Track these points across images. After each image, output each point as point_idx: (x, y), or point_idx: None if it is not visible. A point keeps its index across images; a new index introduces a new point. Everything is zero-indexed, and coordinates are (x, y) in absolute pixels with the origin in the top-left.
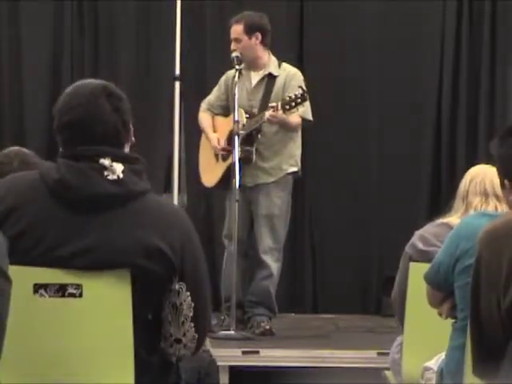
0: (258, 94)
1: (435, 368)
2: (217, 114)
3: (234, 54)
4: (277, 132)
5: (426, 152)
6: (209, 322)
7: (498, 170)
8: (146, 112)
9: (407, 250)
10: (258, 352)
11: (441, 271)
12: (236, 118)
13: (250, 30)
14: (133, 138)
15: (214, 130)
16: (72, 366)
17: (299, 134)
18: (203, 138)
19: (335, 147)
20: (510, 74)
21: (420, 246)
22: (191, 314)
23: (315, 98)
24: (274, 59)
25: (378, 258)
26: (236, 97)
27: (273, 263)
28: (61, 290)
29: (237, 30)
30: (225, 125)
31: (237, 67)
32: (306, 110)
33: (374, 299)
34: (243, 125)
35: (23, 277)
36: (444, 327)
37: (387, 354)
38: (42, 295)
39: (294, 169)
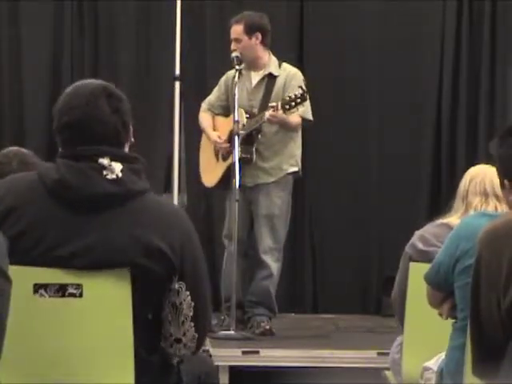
0: (258, 94)
1: (435, 368)
2: (217, 114)
3: (234, 54)
4: (277, 132)
5: (426, 152)
6: (209, 321)
7: (497, 170)
8: (146, 112)
9: (407, 250)
10: (258, 352)
11: (441, 271)
12: (236, 118)
13: (250, 30)
14: (132, 139)
15: (215, 129)
16: (72, 366)
17: (299, 133)
18: (204, 139)
19: (335, 147)
20: (510, 74)
21: (420, 246)
22: (191, 314)
23: (315, 98)
24: (274, 59)
25: (378, 258)
26: (236, 97)
27: (273, 263)
28: (61, 290)
29: (237, 30)
30: (225, 125)
31: (237, 67)
32: (306, 110)
33: (373, 299)
34: (243, 125)
35: (23, 277)
36: (444, 327)
37: (387, 353)
38: (41, 295)
39: (295, 169)
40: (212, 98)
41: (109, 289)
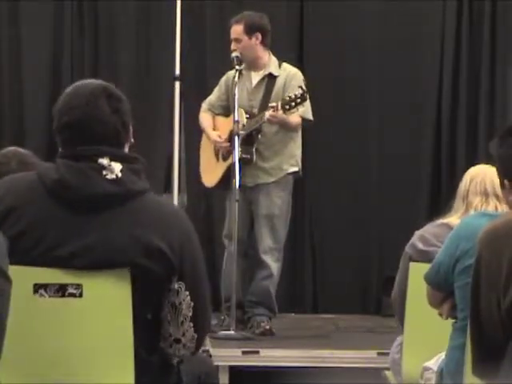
0: (258, 94)
1: (435, 368)
2: (217, 114)
3: (234, 54)
4: (277, 132)
5: (426, 152)
6: (208, 321)
7: (497, 170)
8: (146, 112)
9: (407, 250)
10: (258, 352)
11: (441, 271)
12: (236, 118)
13: (250, 30)
14: (132, 139)
15: (215, 130)
16: (72, 366)
17: (299, 133)
18: (204, 139)
19: (335, 147)
20: (510, 74)
21: (420, 246)
22: (190, 314)
23: (315, 98)
24: (274, 59)
25: (378, 258)
26: (236, 97)
27: (273, 263)
28: (61, 290)
29: (237, 30)
30: (225, 125)
31: (237, 67)
32: (306, 110)
33: (374, 299)
34: (243, 125)
35: (23, 277)
36: (444, 327)
37: (387, 353)
38: (41, 295)
39: (295, 169)
40: (212, 98)
41: (109, 289)
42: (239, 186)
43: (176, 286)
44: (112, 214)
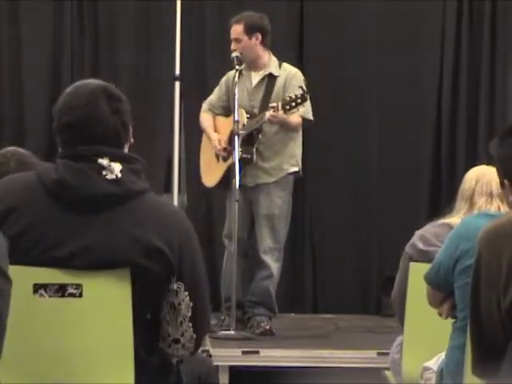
0: (258, 95)
1: (435, 368)
2: (218, 115)
3: (234, 54)
4: (277, 132)
5: (426, 152)
6: (207, 322)
7: (497, 170)
8: (146, 112)
9: (407, 250)
10: (258, 352)
11: (441, 271)
12: (236, 118)
13: (250, 31)
14: (132, 139)
15: (215, 130)
16: (72, 366)
17: (300, 133)
18: (204, 139)
19: (335, 147)
20: (510, 74)
21: (420, 245)
22: (189, 314)
23: (315, 98)
24: (274, 59)
25: (378, 258)
26: (236, 97)
27: (273, 263)
28: (61, 290)
29: (237, 30)
30: (226, 125)
31: (237, 67)
32: (306, 110)
33: (374, 299)
34: (243, 125)
35: (23, 277)
36: (444, 327)
37: (387, 353)
38: (41, 295)
39: (295, 169)
40: (213, 98)
41: (109, 289)
42: (239, 186)
43: (175, 286)
44: (112, 214)
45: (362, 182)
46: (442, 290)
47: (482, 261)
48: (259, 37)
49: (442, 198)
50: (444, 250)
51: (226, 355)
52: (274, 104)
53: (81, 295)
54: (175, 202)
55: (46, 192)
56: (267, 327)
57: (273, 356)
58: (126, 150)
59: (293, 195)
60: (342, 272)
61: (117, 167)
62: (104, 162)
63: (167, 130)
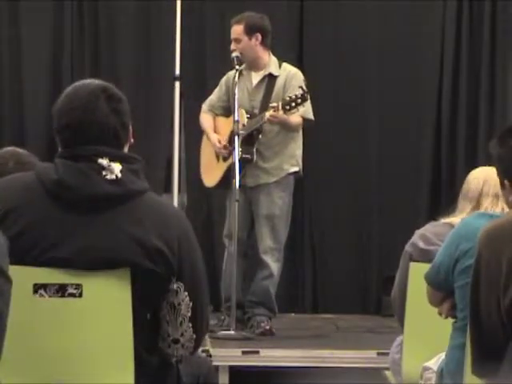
0: (258, 95)
1: (435, 368)
2: (218, 115)
3: (234, 54)
4: (278, 132)
5: (426, 152)
6: (207, 322)
7: (497, 170)
8: (146, 112)
9: (407, 249)
10: (258, 352)
11: (441, 271)
12: (236, 118)
13: (250, 31)
14: (132, 139)
15: (216, 130)
16: (72, 366)
17: (300, 133)
18: (204, 139)
19: (335, 147)
20: (510, 73)
21: (421, 244)
22: (189, 314)
23: (315, 97)
24: (274, 59)
25: (378, 258)
26: (236, 97)
27: (273, 263)
28: (61, 290)
29: (237, 30)
30: (226, 125)
31: (237, 67)
32: (306, 110)
33: (373, 299)
34: (243, 125)
35: (23, 277)
36: (444, 327)
37: (387, 353)
38: (41, 295)
39: (296, 169)
40: (213, 98)
41: (109, 289)
42: (239, 186)
43: (175, 286)
44: (112, 214)
45: (362, 182)
46: (442, 289)
47: (482, 261)
48: (259, 37)
49: (442, 198)
50: (444, 250)
51: (226, 355)
52: (274, 104)
53: (81, 295)
54: (175, 202)
55: (46, 192)
56: (267, 327)
57: (273, 356)
58: (125, 150)
59: (293, 195)
60: (342, 272)
61: (117, 167)
62: (104, 162)
63: (167, 130)
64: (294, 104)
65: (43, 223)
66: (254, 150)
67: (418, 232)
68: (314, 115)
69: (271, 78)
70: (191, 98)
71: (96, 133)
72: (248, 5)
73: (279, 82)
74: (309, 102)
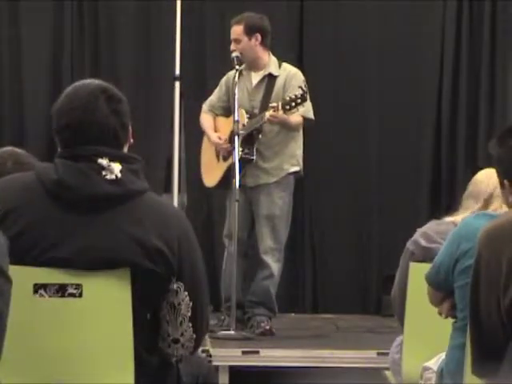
0: (258, 95)
1: (435, 368)
2: (218, 115)
3: (233, 55)
4: (278, 132)
5: (426, 152)
6: (207, 322)
7: (497, 170)
8: (146, 112)
9: (409, 247)
10: (258, 352)
11: (441, 271)
12: (236, 118)
13: (250, 31)
14: (131, 140)
15: (216, 130)
16: (72, 366)
17: (301, 133)
18: (205, 140)
19: (335, 147)
20: (510, 73)
21: (423, 242)
22: (189, 314)
23: (315, 98)
24: (274, 59)
25: (378, 258)
26: (236, 97)
27: (273, 263)
28: (61, 290)
29: (237, 30)
30: (226, 125)
31: (237, 67)
32: (306, 110)
33: (373, 299)
34: (243, 125)
35: (23, 277)
36: (444, 327)
37: (387, 353)
38: (41, 295)
39: (296, 168)
40: (213, 98)
41: (109, 289)
42: (240, 186)
43: (175, 286)
44: (111, 214)
45: (362, 182)
46: (442, 289)
47: (482, 261)
48: (259, 37)
49: (442, 198)
50: (444, 250)
51: (226, 355)
52: (274, 104)
53: (81, 295)
54: (175, 202)
55: (46, 192)
56: (267, 327)
57: (273, 356)
58: (125, 150)
59: (293, 195)
60: (342, 272)
61: (116, 167)
62: (104, 162)
63: (167, 130)
64: (293, 104)
65: (43, 223)
66: (254, 149)
67: (420, 230)
68: (314, 115)
69: (271, 78)
70: (191, 98)
71: (96, 133)
72: (248, 5)
73: (279, 82)
74: (309, 101)
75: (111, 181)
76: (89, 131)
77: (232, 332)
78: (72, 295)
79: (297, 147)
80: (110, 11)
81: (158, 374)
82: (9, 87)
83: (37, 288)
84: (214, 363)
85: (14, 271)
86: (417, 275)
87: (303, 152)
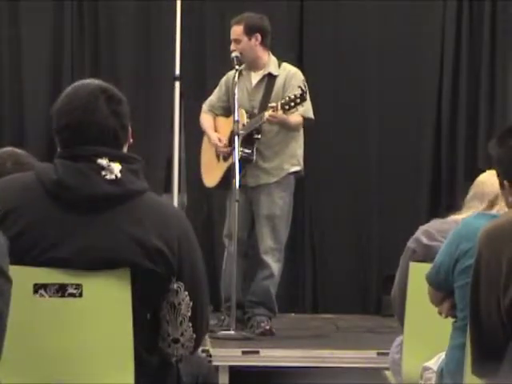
0: (258, 94)
1: (435, 368)
2: (218, 115)
3: (233, 55)
4: (278, 132)
5: (426, 152)
6: (207, 321)
7: (497, 170)
8: (146, 112)
9: (410, 245)
10: (258, 352)
11: (441, 271)
12: (236, 118)
13: (249, 31)
14: (131, 140)
15: (216, 130)
16: (72, 366)
17: (301, 133)
18: (205, 140)
19: (335, 147)
20: (510, 73)
21: (424, 240)
22: (189, 314)
23: (315, 97)
24: (273, 59)
25: (378, 258)
26: (236, 97)
27: (273, 263)
28: (61, 290)
29: (237, 30)
30: (226, 125)
31: (237, 67)
32: (306, 109)
33: (373, 299)
34: (243, 125)
35: (23, 277)
36: (444, 327)
37: (387, 353)
38: (41, 295)
39: (296, 168)
40: (213, 98)
41: (109, 289)
42: (240, 186)
43: (175, 286)
44: (111, 214)
45: (362, 182)
46: (442, 289)
47: (482, 261)
48: (259, 37)
49: (442, 198)
50: (444, 249)
51: (225, 355)
52: (274, 104)
53: (81, 295)
54: (175, 202)
55: (46, 192)
56: (267, 327)
57: (273, 356)
58: (125, 150)
59: (293, 195)
60: (342, 272)
61: (116, 167)
62: (103, 162)
63: (167, 130)
64: (293, 104)
65: (43, 223)
66: (254, 149)
67: (421, 228)
68: (314, 115)
69: (271, 78)
70: (191, 98)
71: (95, 133)
72: (248, 5)
73: (279, 82)
74: (309, 101)
75: (111, 181)
76: (88, 131)
77: (232, 332)
78: (72, 295)
79: (297, 147)
80: (110, 11)
81: (158, 374)
82: (9, 87)
83: (37, 288)
84: (214, 363)
85: (14, 271)
86: (417, 275)
87: (303, 152)
